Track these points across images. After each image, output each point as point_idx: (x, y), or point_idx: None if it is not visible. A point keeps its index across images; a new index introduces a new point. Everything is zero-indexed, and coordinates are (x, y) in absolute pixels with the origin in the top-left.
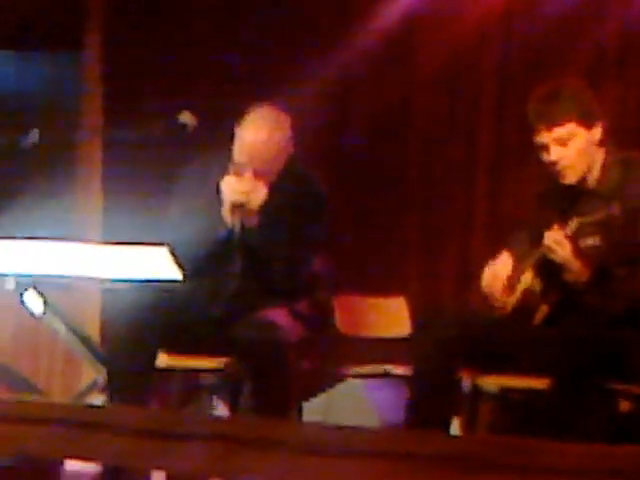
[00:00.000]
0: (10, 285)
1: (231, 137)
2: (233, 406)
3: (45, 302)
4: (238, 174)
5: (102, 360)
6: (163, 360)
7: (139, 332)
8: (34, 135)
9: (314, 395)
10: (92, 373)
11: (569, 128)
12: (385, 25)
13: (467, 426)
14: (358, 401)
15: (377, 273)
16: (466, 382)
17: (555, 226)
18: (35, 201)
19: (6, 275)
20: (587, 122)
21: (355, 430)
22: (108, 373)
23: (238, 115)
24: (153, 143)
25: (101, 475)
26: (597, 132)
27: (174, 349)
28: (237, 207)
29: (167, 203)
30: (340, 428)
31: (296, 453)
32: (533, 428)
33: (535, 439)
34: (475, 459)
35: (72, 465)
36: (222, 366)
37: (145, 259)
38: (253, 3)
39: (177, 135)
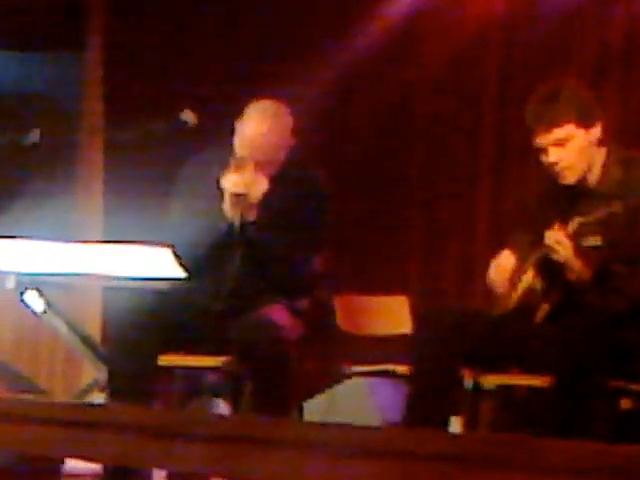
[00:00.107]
0: (11, 284)
1: (232, 135)
2: (234, 405)
3: (46, 301)
4: (239, 168)
5: (103, 359)
6: (164, 359)
7: (140, 331)
8: (35, 135)
9: (315, 394)
10: (93, 372)
11: (567, 129)
12: (386, 25)
13: (468, 424)
14: (360, 400)
15: (378, 271)
16: (467, 380)
17: (556, 226)
18: (36, 201)
19: (7, 274)
20: (585, 123)
21: (357, 429)
22: (109, 372)
23: (239, 114)
24: (154, 143)
25: (102, 474)
26: (596, 132)
27: (175, 348)
28: (238, 199)
29: (168, 202)
30: (342, 427)
31: (297, 452)
32: (534, 426)
33: (537, 437)
34: (476, 457)
35: (73, 464)
36: (223, 365)
37: (147, 258)
38: (253, 3)
39: (178, 134)
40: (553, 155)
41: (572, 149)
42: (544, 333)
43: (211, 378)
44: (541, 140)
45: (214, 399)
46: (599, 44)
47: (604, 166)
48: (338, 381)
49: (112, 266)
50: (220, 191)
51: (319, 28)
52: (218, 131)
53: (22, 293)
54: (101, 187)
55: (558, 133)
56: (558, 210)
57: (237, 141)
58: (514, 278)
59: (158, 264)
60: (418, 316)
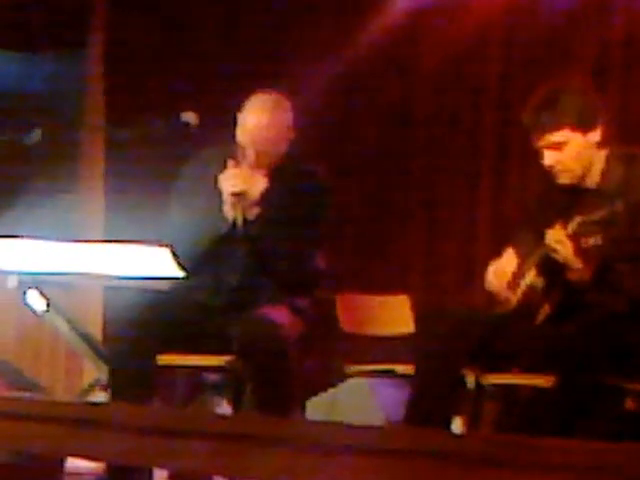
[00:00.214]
0: (13, 283)
1: (232, 133)
2: (236, 404)
3: (48, 301)
4: (236, 166)
5: (104, 358)
6: (165, 359)
7: (141, 330)
8: (37, 134)
9: (317, 393)
10: (94, 371)
11: (562, 134)
12: (386, 24)
13: (471, 424)
14: (361, 399)
15: (380, 271)
16: (470, 380)
17: (557, 225)
18: (37, 200)
19: (9, 273)
20: (583, 127)
21: (358, 428)
22: (110, 371)
23: (240, 110)
24: (155, 142)
25: (104, 473)
26: (595, 135)
27: (176, 347)
28: (237, 197)
29: (169, 201)
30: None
31: (299, 451)
32: (537, 426)
33: (539, 437)
34: (478, 457)
35: (75, 463)
36: (224, 364)
37: (147, 258)
38: (253, 3)
39: (179, 134)
40: (549, 158)
41: (568, 153)
42: (546, 332)
43: (212, 377)
44: (538, 143)
45: (215, 398)
46: (600, 44)
47: (606, 165)
48: (339, 380)
49: (113, 265)
50: (220, 192)
51: (319, 28)
52: (219, 130)
53: (24, 293)
54: (102, 186)
55: (553, 137)
56: (559, 209)
57: (238, 132)
58: (514, 281)
59: (157, 264)
60: (420, 316)
